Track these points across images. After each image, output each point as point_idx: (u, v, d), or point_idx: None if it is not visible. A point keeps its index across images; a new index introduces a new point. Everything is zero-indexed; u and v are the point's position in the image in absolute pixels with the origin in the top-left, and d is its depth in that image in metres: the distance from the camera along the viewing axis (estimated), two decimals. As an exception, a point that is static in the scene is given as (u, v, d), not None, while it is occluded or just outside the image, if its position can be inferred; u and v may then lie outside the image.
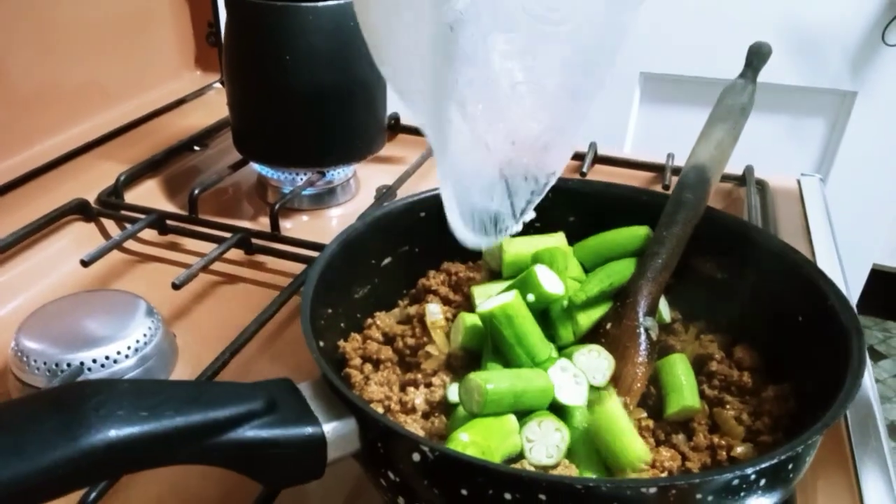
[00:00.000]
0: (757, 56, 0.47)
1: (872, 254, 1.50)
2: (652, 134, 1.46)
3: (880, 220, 1.46)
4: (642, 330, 0.40)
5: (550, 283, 0.39)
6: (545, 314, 0.40)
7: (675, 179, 0.71)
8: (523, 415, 0.35)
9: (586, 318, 0.41)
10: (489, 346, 0.39)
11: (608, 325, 0.42)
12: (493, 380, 0.34)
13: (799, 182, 0.77)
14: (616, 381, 0.39)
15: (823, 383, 0.35)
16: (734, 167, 0.68)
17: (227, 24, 0.64)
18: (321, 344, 0.37)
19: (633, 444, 0.35)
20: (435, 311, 0.41)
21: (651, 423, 0.38)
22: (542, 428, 0.35)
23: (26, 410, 0.26)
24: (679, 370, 0.40)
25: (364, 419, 0.30)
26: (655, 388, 0.40)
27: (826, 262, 0.65)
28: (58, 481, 0.25)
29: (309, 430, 0.30)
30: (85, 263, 0.56)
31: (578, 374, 0.37)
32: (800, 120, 1.41)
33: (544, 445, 0.34)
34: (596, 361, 0.39)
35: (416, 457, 0.29)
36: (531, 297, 0.38)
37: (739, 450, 0.36)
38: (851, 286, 0.69)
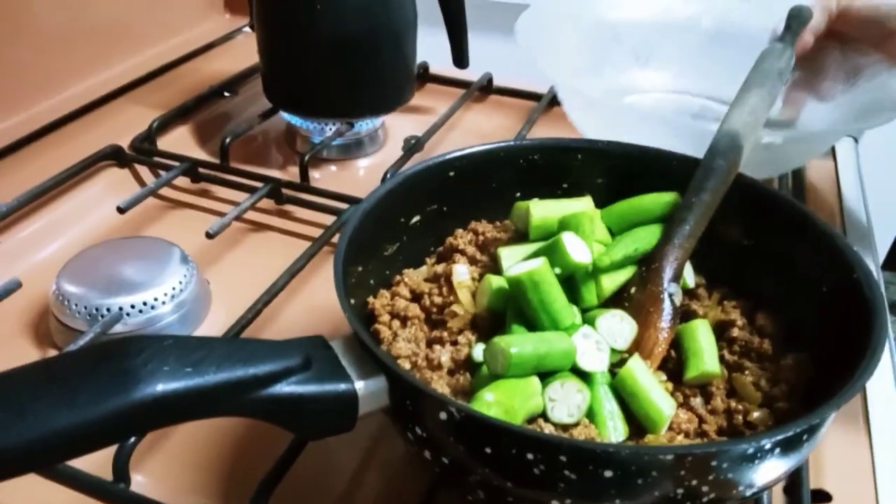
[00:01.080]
0: (797, 20, 0.46)
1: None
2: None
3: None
4: (666, 296, 0.41)
5: (577, 251, 0.39)
6: (570, 277, 0.41)
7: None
8: (545, 375, 0.36)
9: (611, 282, 0.42)
10: (513, 309, 0.40)
11: (632, 290, 0.42)
12: (517, 343, 0.35)
13: (832, 142, 0.75)
14: (637, 345, 0.40)
15: (842, 355, 0.36)
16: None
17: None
18: (352, 301, 0.38)
19: (660, 401, 0.36)
20: (462, 272, 0.42)
21: (670, 385, 0.40)
22: (565, 388, 0.36)
23: (78, 364, 0.28)
24: (700, 335, 0.41)
25: (394, 378, 0.32)
26: (676, 352, 0.41)
27: (855, 228, 0.64)
28: (107, 432, 0.27)
29: (342, 386, 0.31)
30: (121, 210, 0.57)
31: (601, 340, 0.38)
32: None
33: (566, 405, 0.36)
34: (619, 326, 0.39)
35: (443, 415, 0.30)
36: (558, 270, 0.39)
37: (756, 415, 0.37)
38: (879, 244, 0.69)
